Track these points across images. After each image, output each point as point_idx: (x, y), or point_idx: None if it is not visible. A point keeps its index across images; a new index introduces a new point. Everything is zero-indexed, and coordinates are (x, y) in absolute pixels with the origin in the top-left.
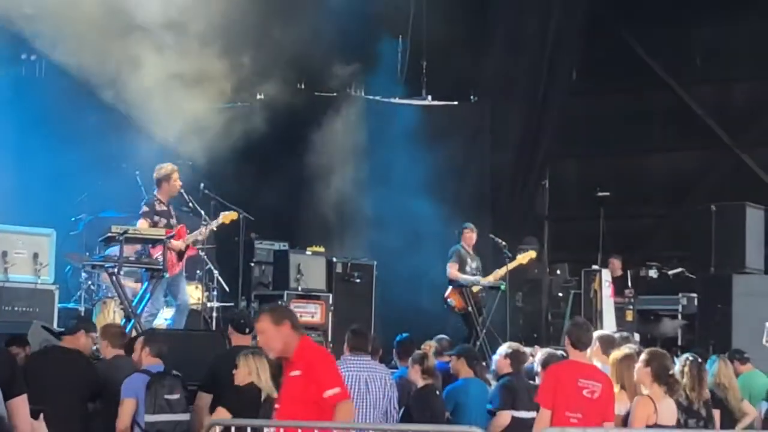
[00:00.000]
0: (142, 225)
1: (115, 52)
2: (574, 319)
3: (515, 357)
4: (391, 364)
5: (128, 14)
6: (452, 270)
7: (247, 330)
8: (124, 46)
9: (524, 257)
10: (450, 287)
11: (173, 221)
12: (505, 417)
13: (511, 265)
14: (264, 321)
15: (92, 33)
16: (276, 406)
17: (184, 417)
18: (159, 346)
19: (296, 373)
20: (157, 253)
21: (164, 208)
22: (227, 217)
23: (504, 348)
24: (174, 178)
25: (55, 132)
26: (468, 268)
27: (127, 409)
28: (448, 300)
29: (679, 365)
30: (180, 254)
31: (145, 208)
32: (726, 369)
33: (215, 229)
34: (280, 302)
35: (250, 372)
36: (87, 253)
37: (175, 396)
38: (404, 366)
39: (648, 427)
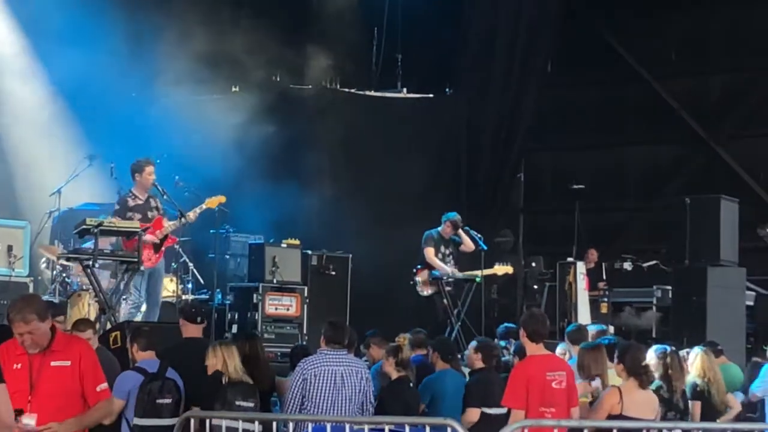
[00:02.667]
0: (113, 221)
1: None
2: (530, 311)
3: (486, 351)
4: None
5: None
6: (429, 255)
7: (199, 320)
8: None
9: (501, 269)
10: (421, 266)
11: (151, 214)
12: (473, 414)
13: (486, 272)
14: (33, 322)
15: None
16: (29, 398)
17: (173, 422)
18: (146, 340)
19: (63, 363)
20: (131, 246)
21: (139, 202)
22: (214, 201)
23: (474, 342)
24: (147, 171)
25: (29, 124)
26: (440, 255)
27: (115, 408)
28: (416, 278)
29: (658, 357)
30: (156, 247)
31: (116, 207)
32: (710, 361)
33: (198, 213)
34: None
35: (217, 363)
36: (61, 246)
37: (167, 400)
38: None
39: (613, 417)
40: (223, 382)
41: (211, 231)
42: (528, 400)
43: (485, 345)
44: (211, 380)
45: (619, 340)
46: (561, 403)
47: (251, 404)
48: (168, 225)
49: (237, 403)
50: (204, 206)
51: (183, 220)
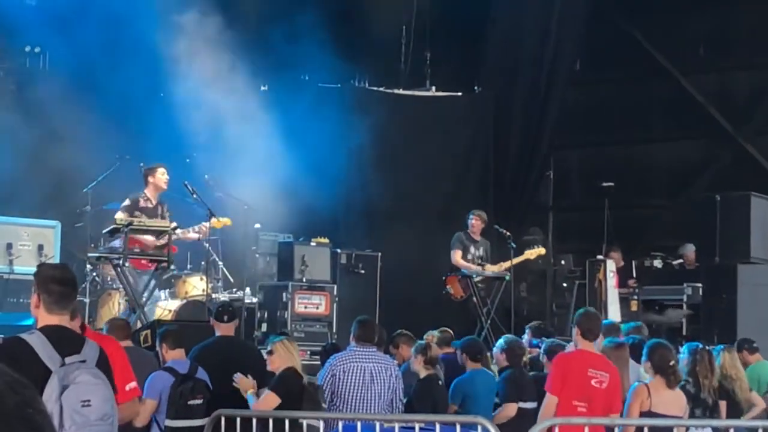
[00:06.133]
0: (118, 218)
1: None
2: (585, 309)
3: (511, 351)
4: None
5: None
6: (456, 257)
7: (226, 318)
8: None
9: (532, 253)
10: (449, 274)
11: (158, 220)
12: (511, 408)
13: (518, 260)
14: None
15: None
16: None
17: (203, 422)
18: (174, 338)
19: None
20: (135, 244)
21: (150, 205)
22: (219, 222)
23: (501, 342)
24: (159, 173)
25: (60, 124)
26: (470, 255)
27: (148, 408)
28: (447, 287)
29: (689, 353)
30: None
31: (126, 202)
32: (732, 360)
33: (206, 229)
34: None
35: (288, 359)
36: (92, 245)
37: (198, 401)
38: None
39: (643, 413)
40: (305, 382)
41: (240, 229)
42: (563, 390)
43: (511, 346)
44: (290, 378)
45: (642, 339)
46: (597, 401)
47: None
48: (179, 233)
49: (323, 405)
50: (209, 224)
51: (203, 231)
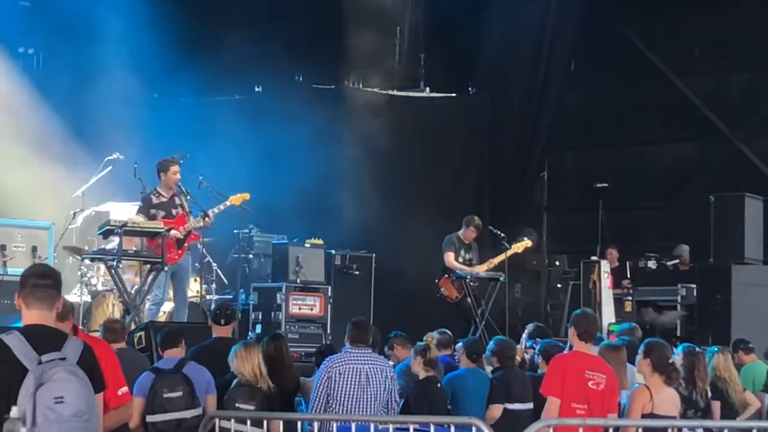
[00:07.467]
0: (138, 220)
1: None
2: (582, 310)
3: (501, 352)
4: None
5: None
6: (449, 259)
7: (223, 321)
8: None
9: (519, 246)
10: (443, 276)
11: (176, 211)
12: (496, 410)
13: (507, 254)
14: None
15: None
16: None
17: (189, 414)
18: (168, 338)
19: None
20: (154, 245)
21: (164, 199)
22: (236, 198)
23: (491, 344)
24: (172, 170)
25: (53, 125)
26: (460, 258)
27: (136, 407)
28: (441, 290)
29: (683, 356)
30: (179, 243)
31: (139, 204)
32: (725, 362)
33: (222, 209)
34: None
35: (250, 363)
36: (86, 246)
37: (177, 393)
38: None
39: (644, 416)
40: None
41: (235, 231)
42: (562, 392)
43: (500, 347)
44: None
45: (635, 341)
46: (595, 403)
47: (251, 407)
48: (192, 222)
49: (237, 405)
50: (228, 203)
51: (207, 219)
